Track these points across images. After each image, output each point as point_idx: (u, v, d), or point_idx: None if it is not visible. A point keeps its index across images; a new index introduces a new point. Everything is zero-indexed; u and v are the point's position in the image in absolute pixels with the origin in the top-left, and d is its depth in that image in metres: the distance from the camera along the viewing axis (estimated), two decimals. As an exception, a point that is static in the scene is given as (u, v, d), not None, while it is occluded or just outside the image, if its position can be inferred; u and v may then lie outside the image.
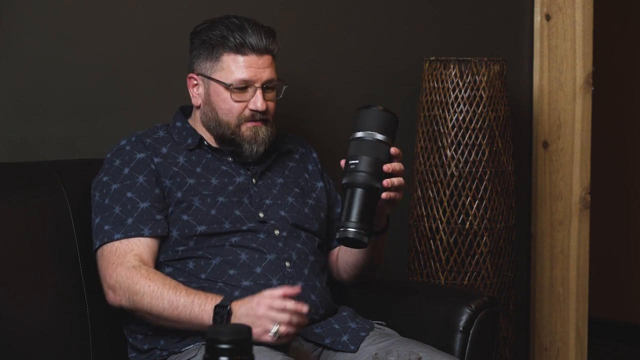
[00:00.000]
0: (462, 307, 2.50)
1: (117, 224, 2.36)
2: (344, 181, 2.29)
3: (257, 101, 2.43)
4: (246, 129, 2.45)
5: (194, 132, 2.50)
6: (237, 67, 2.42)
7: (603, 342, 4.61)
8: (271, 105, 2.47)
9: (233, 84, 2.42)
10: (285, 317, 2.19)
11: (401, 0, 3.32)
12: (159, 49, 2.79)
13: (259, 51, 2.42)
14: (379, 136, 2.29)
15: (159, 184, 2.41)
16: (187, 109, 2.57)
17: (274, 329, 2.19)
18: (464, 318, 2.49)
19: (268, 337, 2.20)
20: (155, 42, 2.79)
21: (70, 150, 2.67)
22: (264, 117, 2.45)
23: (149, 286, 2.29)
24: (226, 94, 2.43)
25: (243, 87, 2.43)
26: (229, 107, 2.44)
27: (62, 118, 2.66)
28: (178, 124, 2.53)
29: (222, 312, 2.22)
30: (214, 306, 2.24)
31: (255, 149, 2.46)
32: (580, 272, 3.58)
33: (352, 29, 3.21)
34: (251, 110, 2.44)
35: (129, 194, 2.38)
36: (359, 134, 2.29)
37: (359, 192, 2.27)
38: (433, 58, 3.17)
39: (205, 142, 2.49)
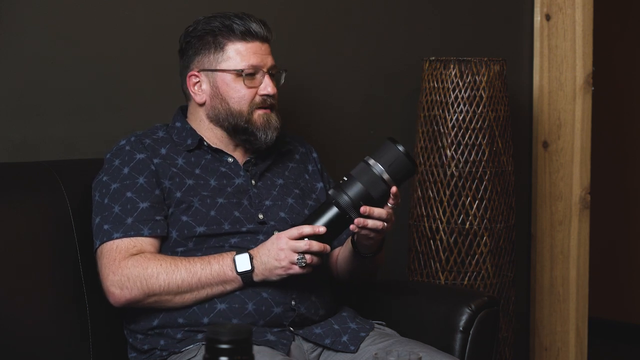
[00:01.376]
0: (462, 307, 2.50)
1: (116, 223, 2.36)
2: (329, 191, 2.32)
3: (268, 86, 2.45)
4: (258, 116, 2.46)
5: (193, 132, 2.50)
6: (244, 54, 2.44)
7: (603, 342, 4.61)
8: (276, 91, 2.49)
9: (245, 69, 2.43)
10: (304, 243, 2.26)
11: (401, 0, 3.32)
12: (158, 49, 2.79)
13: (261, 38, 2.46)
14: (385, 175, 2.28)
15: (159, 185, 2.41)
16: (186, 110, 2.57)
17: (299, 257, 2.27)
18: (464, 318, 2.49)
19: (296, 268, 2.28)
20: (155, 42, 2.80)
21: (70, 150, 2.67)
22: (273, 102, 2.47)
23: (160, 265, 2.31)
24: (236, 83, 2.44)
25: (252, 73, 2.44)
26: (241, 94, 2.45)
27: (62, 118, 2.66)
28: (178, 124, 2.53)
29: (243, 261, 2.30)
30: (232, 258, 2.30)
31: (269, 135, 2.47)
32: (580, 272, 3.58)
33: (352, 29, 3.21)
34: (262, 95, 2.45)
35: (128, 194, 2.38)
36: (371, 162, 2.29)
37: (333, 209, 2.29)
38: (433, 58, 3.17)
39: (205, 143, 2.49)
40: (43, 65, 2.63)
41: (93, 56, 2.70)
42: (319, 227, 2.28)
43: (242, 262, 2.30)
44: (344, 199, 2.28)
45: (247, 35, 2.44)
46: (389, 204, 2.31)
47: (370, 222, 2.29)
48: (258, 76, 2.45)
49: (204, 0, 2.84)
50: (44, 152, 2.63)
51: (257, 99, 2.46)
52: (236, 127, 2.46)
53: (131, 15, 2.77)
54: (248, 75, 2.44)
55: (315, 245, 2.28)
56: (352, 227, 2.29)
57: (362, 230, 2.30)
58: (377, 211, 2.29)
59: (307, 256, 2.28)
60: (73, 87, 2.67)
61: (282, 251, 2.28)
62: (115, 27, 2.74)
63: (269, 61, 2.47)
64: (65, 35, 2.66)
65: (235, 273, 2.31)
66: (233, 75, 2.44)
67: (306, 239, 2.27)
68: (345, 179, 2.30)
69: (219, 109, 2.47)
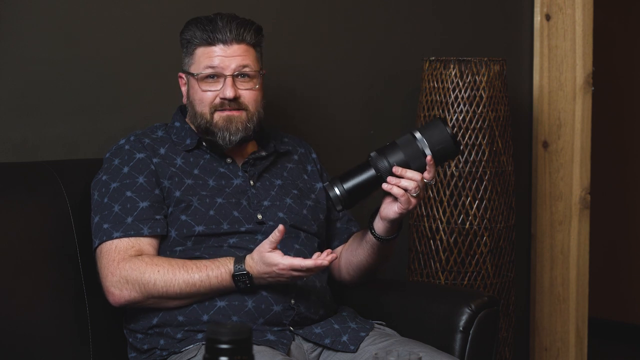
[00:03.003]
0: (462, 307, 2.50)
1: (116, 222, 2.36)
2: (371, 153, 2.36)
3: (226, 89, 2.44)
4: (219, 117, 2.45)
5: (192, 132, 2.50)
6: (205, 57, 2.45)
7: (603, 342, 4.61)
8: (246, 93, 2.46)
9: (199, 73, 2.44)
10: (309, 274, 2.30)
11: (401, 0, 3.32)
12: (159, 48, 2.79)
13: (225, 41, 2.44)
14: (427, 151, 2.34)
15: (159, 184, 2.41)
16: (185, 109, 2.57)
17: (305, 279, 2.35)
18: (464, 318, 2.49)
19: (300, 280, 2.36)
20: (155, 42, 2.80)
21: (70, 150, 2.67)
22: (237, 106, 2.46)
23: (158, 271, 2.30)
24: (198, 85, 2.45)
25: (210, 75, 2.44)
26: (200, 97, 2.46)
27: (62, 118, 2.66)
28: (177, 124, 2.53)
29: (243, 279, 2.30)
30: (231, 275, 2.30)
31: (228, 137, 2.45)
32: (580, 272, 3.58)
33: (352, 29, 3.21)
34: (221, 98, 2.45)
35: (128, 193, 2.38)
36: (417, 135, 2.35)
37: (370, 171, 2.34)
38: (433, 58, 3.17)
39: (204, 143, 2.49)
40: (43, 65, 2.63)
41: (93, 56, 2.70)
42: (323, 261, 2.27)
43: (242, 280, 2.31)
44: (384, 164, 2.33)
45: (210, 39, 2.45)
46: (424, 179, 2.34)
47: (403, 181, 2.31)
48: (221, 79, 2.45)
49: (204, 0, 2.84)
50: (44, 152, 2.63)
51: (217, 101, 2.45)
52: (200, 127, 2.47)
53: (131, 15, 2.77)
54: (206, 78, 2.44)
55: (322, 267, 2.30)
56: (384, 185, 2.32)
57: (394, 189, 2.31)
58: (410, 172, 2.32)
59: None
60: (73, 87, 2.67)
61: (287, 278, 2.31)
62: (115, 27, 2.74)
63: (235, 63, 2.44)
64: (65, 35, 2.66)
65: (233, 286, 2.32)
66: (195, 79, 2.45)
67: (310, 271, 2.30)
68: (389, 144, 2.36)
69: (190, 110, 2.50)
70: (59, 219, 2.43)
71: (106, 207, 2.38)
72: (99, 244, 2.36)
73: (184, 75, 2.51)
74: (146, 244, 2.37)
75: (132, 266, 2.31)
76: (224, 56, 2.44)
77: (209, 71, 2.44)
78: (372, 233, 2.43)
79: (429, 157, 2.33)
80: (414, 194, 2.33)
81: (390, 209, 2.36)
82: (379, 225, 2.42)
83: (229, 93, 2.44)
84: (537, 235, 3.60)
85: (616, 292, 4.89)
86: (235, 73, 2.45)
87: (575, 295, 3.57)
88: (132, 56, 2.77)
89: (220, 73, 2.44)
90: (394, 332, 2.48)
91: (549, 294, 3.58)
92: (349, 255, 2.54)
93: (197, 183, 2.44)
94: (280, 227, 2.25)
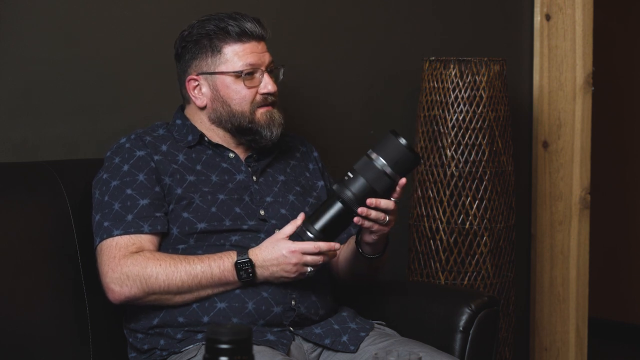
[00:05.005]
0: (462, 307, 2.50)
1: (116, 220, 2.36)
2: (333, 186, 2.31)
3: (268, 84, 2.46)
4: (261, 115, 2.46)
5: (194, 128, 2.50)
6: (240, 55, 2.44)
7: (603, 342, 4.61)
8: (277, 88, 2.49)
9: (244, 70, 2.43)
10: (319, 259, 2.29)
11: (401, 0, 3.32)
12: (159, 48, 2.79)
13: (257, 37, 2.46)
14: (387, 169, 2.27)
15: (159, 182, 2.41)
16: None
17: (310, 270, 2.30)
18: (464, 318, 2.49)
19: (301, 277, 2.32)
20: (155, 42, 2.79)
21: (70, 150, 2.67)
22: (274, 99, 2.48)
23: (160, 265, 2.30)
24: (237, 84, 2.44)
25: (251, 72, 2.44)
26: (242, 95, 2.45)
27: (62, 118, 2.66)
28: (178, 121, 2.53)
29: (245, 267, 2.30)
30: (234, 263, 2.29)
31: (274, 132, 2.47)
32: (580, 272, 3.58)
33: (352, 29, 3.21)
34: (263, 94, 2.46)
35: (128, 191, 2.38)
36: (373, 155, 2.28)
37: (337, 205, 2.29)
38: (433, 58, 3.17)
39: (206, 139, 2.49)
40: (43, 65, 2.63)
41: (93, 56, 2.70)
42: (336, 244, 2.29)
43: (244, 269, 2.30)
44: (348, 194, 2.27)
45: (242, 36, 2.44)
46: (392, 198, 2.31)
47: (374, 213, 2.29)
48: (257, 75, 2.46)
49: (204, 1, 2.84)
50: (44, 152, 2.63)
51: (258, 97, 2.46)
52: (240, 127, 2.47)
53: (131, 15, 2.77)
54: (247, 75, 2.44)
55: (326, 258, 2.31)
56: (356, 219, 2.29)
57: (365, 222, 2.30)
58: (384, 202, 2.29)
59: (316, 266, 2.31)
60: (73, 87, 2.67)
61: (294, 266, 2.30)
62: (115, 27, 2.74)
63: (267, 59, 2.47)
64: (65, 35, 2.66)
65: (236, 278, 2.31)
66: (233, 77, 2.45)
67: (320, 255, 2.29)
68: (350, 174, 2.29)
69: (221, 112, 2.47)
70: (59, 219, 2.43)
71: (107, 205, 2.38)
72: (100, 241, 2.36)
73: (200, 78, 2.48)
74: (147, 241, 2.37)
75: (133, 262, 2.31)
76: (258, 52, 2.46)
77: (249, 68, 2.44)
78: (360, 252, 2.44)
79: (403, 181, 2.27)
80: (385, 223, 2.32)
81: (366, 233, 2.37)
82: (364, 247, 2.42)
83: (272, 87, 2.46)
84: (537, 235, 3.60)
85: (616, 292, 4.89)
86: (268, 69, 2.47)
87: (575, 295, 3.57)
88: (132, 56, 2.77)
89: (258, 69, 2.45)
90: (394, 332, 2.48)
91: (548, 294, 3.58)
92: (344, 263, 2.54)
93: (199, 179, 2.44)
94: (302, 214, 2.31)
